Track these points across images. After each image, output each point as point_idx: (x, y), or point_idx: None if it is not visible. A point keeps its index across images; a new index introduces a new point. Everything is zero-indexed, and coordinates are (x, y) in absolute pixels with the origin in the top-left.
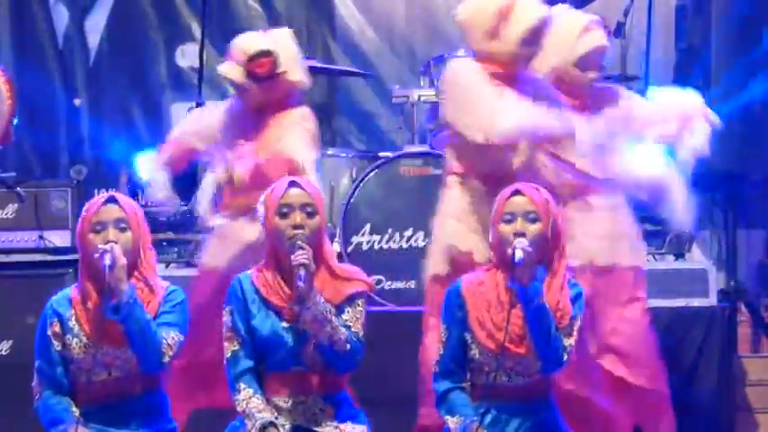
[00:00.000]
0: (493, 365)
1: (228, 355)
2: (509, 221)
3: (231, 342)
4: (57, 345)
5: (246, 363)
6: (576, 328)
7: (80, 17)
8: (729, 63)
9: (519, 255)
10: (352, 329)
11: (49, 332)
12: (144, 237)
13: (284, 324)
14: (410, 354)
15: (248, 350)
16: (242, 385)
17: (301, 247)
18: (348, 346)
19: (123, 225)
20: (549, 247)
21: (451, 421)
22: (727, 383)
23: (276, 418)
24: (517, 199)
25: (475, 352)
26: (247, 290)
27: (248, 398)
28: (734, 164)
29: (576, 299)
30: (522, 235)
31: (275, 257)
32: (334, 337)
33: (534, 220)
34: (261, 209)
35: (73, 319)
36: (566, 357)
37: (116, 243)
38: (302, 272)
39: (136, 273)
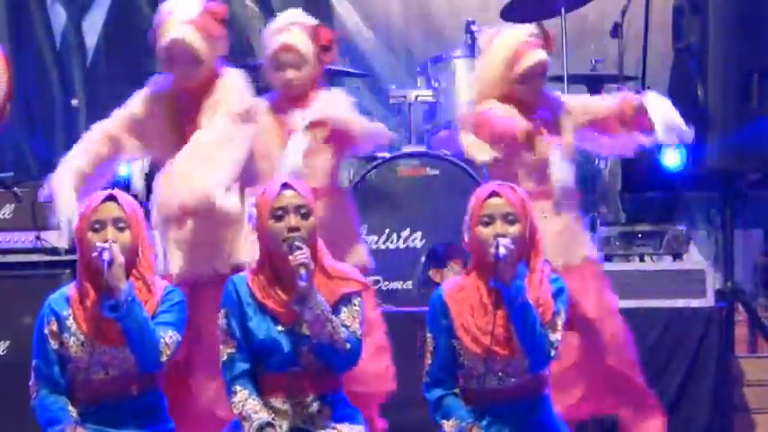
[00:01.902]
0: (482, 370)
1: (225, 358)
2: (487, 224)
3: (227, 345)
4: (54, 343)
5: (242, 366)
6: (560, 322)
7: (77, 17)
8: (727, 62)
9: (503, 250)
10: (350, 329)
11: (47, 331)
12: (143, 235)
13: (280, 328)
14: (407, 354)
15: (244, 353)
16: (238, 387)
17: (299, 247)
18: (348, 345)
19: (122, 224)
20: (526, 246)
21: (447, 425)
22: (725, 384)
23: (273, 419)
24: (494, 201)
25: (463, 358)
26: (243, 292)
27: (244, 399)
28: (731, 164)
29: (558, 293)
30: (503, 236)
31: (269, 260)
32: (334, 337)
33: (513, 222)
34: (253, 211)
35: (70, 317)
36: (553, 353)
37: (115, 242)
38: (303, 271)
39: (134, 272)
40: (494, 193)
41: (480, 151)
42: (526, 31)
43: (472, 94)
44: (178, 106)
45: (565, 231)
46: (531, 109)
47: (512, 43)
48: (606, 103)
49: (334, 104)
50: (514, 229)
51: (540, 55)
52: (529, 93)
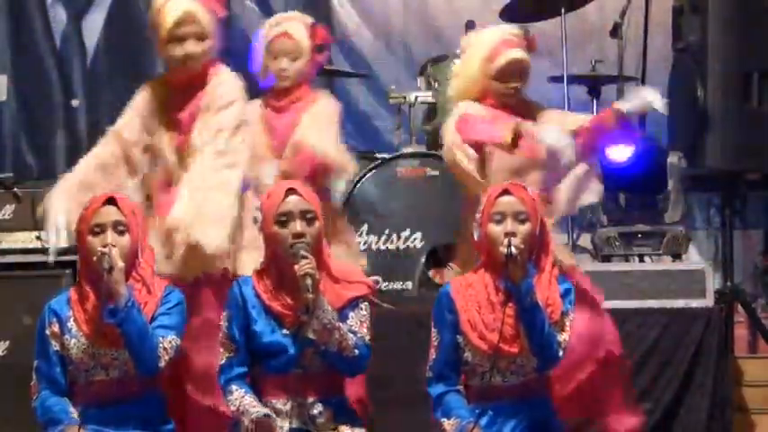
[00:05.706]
0: (487, 366)
1: (223, 361)
2: (498, 221)
3: (226, 349)
4: (55, 345)
5: (239, 369)
6: (567, 322)
7: (77, 18)
8: (727, 62)
9: (514, 250)
10: (359, 334)
11: (48, 332)
12: (143, 237)
13: (285, 331)
14: (407, 355)
15: (242, 357)
16: (234, 387)
17: (305, 256)
18: (356, 351)
19: (122, 228)
20: (536, 246)
21: (448, 424)
22: (725, 384)
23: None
24: (506, 199)
25: (468, 354)
26: (248, 295)
27: (241, 397)
28: (731, 164)
29: (565, 294)
30: (513, 235)
31: (275, 263)
32: (342, 344)
33: (524, 221)
34: (258, 215)
35: (71, 319)
36: (561, 353)
37: (114, 247)
38: (308, 281)
39: (134, 274)
40: (505, 192)
41: (464, 156)
42: (505, 29)
43: (451, 92)
44: (171, 102)
45: None
46: (510, 109)
47: (489, 41)
48: (584, 121)
49: (319, 125)
50: (525, 228)
51: (516, 53)
52: (506, 92)
